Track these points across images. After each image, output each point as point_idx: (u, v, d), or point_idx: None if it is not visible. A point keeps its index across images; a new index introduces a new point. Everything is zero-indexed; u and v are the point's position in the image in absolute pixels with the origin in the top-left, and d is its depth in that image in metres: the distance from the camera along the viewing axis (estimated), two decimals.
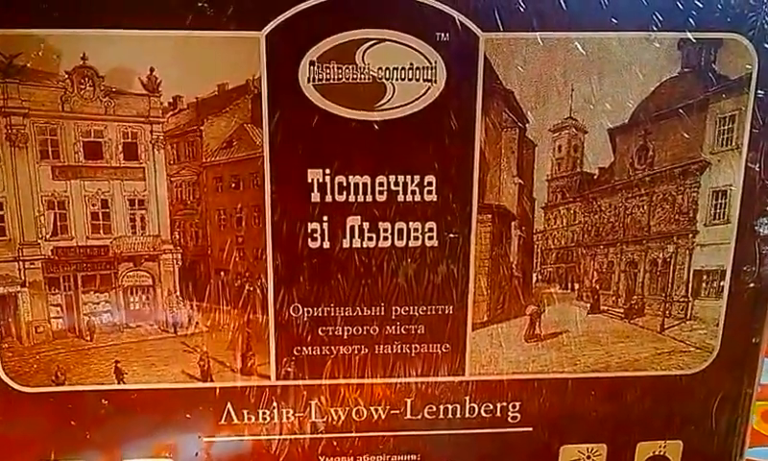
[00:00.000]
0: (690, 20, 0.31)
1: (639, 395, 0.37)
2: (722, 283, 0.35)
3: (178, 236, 0.34)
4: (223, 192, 0.34)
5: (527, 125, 0.33)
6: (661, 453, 0.38)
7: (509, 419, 0.37)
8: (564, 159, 0.33)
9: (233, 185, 0.33)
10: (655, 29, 0.31)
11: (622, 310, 0.35)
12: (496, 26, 0.31)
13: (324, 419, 0.37)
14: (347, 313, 0.35)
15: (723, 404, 0.37)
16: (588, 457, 0.38)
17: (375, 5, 0.31)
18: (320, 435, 0.37)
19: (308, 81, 0.32)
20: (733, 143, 0.33)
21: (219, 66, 0.32)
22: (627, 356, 0.36)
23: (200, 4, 0.31)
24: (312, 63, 0.32)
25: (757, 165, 0.33)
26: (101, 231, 0.34)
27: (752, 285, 0.35)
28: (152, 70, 0.32)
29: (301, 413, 0.37)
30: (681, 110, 0.32)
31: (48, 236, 0.34)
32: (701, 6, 0.31)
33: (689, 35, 0.31)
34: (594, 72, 0.32)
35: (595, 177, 0.33)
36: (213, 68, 0.32)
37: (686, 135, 0.33)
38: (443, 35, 0.31)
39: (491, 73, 0.32)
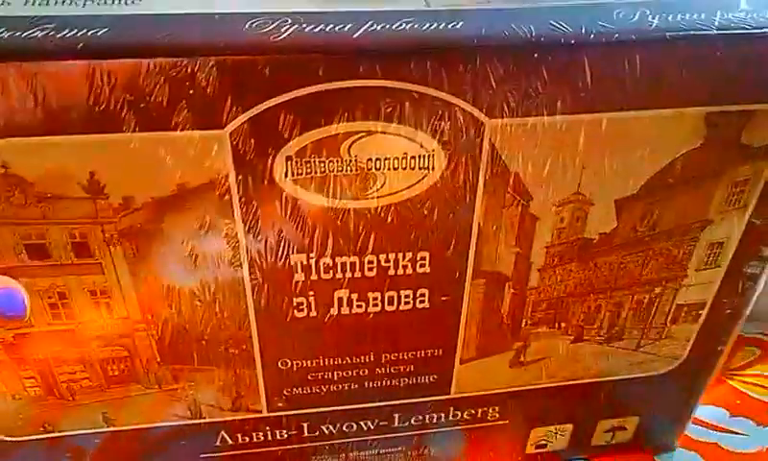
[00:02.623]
0: (722, 93, 0.27)
1: (609, 391, 0.39)
2: (700, 312, 0.35)
3: (150, 316, 0.31)
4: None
5: (530, 202, 0.29)
6: (620, 425, 0.43)
7: (488, 418, 0.40)
8: (566, 229, 0.31)
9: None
10: (682, 106, 0.27)
11: (603, 339, 0.36)
12: (506, 112, 0.26)
13: (317, 433, 0.39)
14: (336, 362, 0.35)
15: (683, 391, 0.40)
16: (556, 434, 0.42)
17: (360, 100, 0.25)
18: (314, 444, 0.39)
19: (285, 176, 0.27)
20: (741, 203, 0.31)
21: (175, 166, 0.26)
22: (603, 369, 0.38)
23: (142, 105, 0.24)
24: (289, 159, 0.27)
25: (760, 220, 0.32)
26: (63, 318, 0.31)
27: (728, 312, 0.36)
28: (92, 175, 0.26)
29: (294, 431, 0.38)
30: (694, 178, 0.30)
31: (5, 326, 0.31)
32: (735, 77, 0.27)
33: (719, 108, 0.27)
34: (608, 149, 0.28)
35: (595, 241, 0.31)
36: (168, 169, 0.26)
37: (695, 200, 0.31)
38: (442, 123, 0.26)
39: (496, 158, 0.28)
